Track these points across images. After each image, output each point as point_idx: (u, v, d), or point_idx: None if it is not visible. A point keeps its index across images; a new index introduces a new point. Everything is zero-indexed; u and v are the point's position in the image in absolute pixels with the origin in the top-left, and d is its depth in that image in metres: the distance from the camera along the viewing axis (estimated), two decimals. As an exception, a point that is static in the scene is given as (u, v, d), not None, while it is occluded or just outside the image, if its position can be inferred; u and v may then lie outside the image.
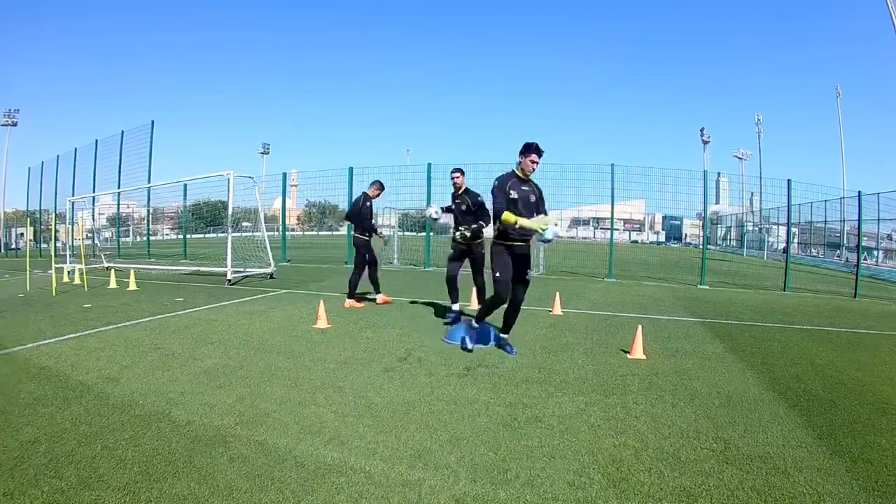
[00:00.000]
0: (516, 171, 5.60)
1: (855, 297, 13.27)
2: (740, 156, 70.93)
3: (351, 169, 19.04)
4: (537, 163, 5.51)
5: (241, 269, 14.38)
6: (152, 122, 24.16)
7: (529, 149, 5.47)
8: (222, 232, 17.88)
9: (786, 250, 17.74)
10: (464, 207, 7.67)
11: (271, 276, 14.12)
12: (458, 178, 7.79)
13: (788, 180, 15.24)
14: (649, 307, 9.92)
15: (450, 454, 3.28)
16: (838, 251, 29.03)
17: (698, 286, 14.33)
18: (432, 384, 4.72)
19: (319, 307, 7.55)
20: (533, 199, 5.60)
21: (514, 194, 5.46)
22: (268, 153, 76.24)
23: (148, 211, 27.02)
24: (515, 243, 5.57)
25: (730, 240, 51.24)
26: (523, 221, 5.27)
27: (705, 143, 72.06)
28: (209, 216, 26.75)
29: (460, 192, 7.77)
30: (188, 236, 23.92)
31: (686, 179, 17.57)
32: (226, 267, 13.36)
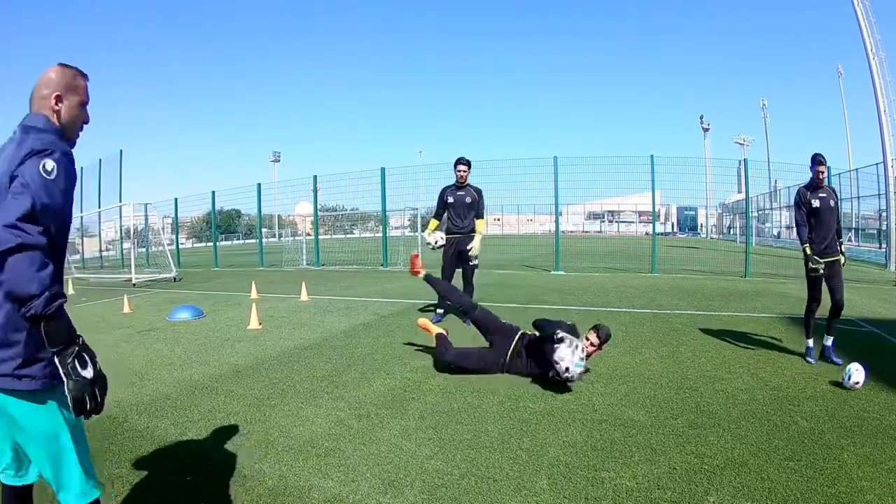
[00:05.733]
0: (814, 181, 5.61)
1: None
2: (741, 142, 70.19)
3: (383, 170, 18.26)
4: (823, 171, 5.55)
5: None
6: (121, 150, 25.23)
7: (812, 159, 5.58)
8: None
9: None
10: (468, 200, 7.50)
11: (175, 280, 16.02)
12: (464, 172, 7.55)
13: (828, 167, 14.96)
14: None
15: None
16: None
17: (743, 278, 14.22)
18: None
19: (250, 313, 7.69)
20: (832, 203, 5.57)
21: (815, 203, 5.52)
22: (279, 161, 76.27)
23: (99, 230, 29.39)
24: (826, 258, 5.53)
25: (736, 228, 50.89)
26: (807, 249, 5.49)
27: (705, 130, 71.62)
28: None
29: (464, 184, 7.60)
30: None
31: (699, 168, 17.68)
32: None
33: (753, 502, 2.83)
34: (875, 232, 24.50)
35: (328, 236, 25.88)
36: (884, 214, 19.75)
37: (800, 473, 3.11)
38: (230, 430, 3.90)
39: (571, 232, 39.51)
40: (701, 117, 72.83)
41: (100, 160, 26.01)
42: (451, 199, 7.56)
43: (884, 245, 19.75)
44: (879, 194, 20.22)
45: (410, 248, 19.60)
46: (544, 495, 2.93)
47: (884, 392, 4.55)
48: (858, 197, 23.96)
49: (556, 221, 17.37)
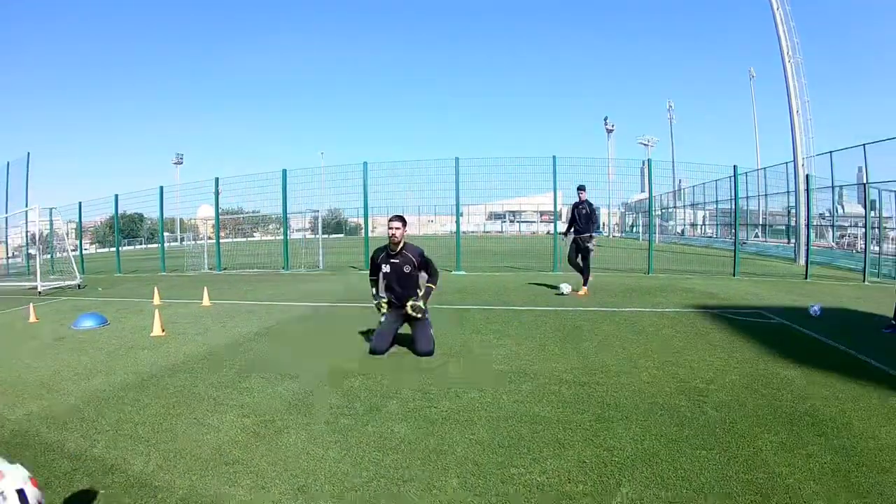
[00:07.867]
0: None
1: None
2: (646, 142, 72.91)
3: (285, 171, 18.27)
4: None
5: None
6: (28, 153, 24.07)
7: None
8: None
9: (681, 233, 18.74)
10: (406, 269, 6.07)
11: (79, 287, 15.20)
12: (398, 229, 6.02)
13: (735, 166, 16.01)
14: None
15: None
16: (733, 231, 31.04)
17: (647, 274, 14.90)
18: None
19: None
20: None
21: None
22: (181, 163, 72.97)
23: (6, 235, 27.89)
24: None
25: (639, 226, 53.17)
26: None
27: (609, 131, 74.10)
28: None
29: (399, 248, 6.11)
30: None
31: (601, 168, 18.62)
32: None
33: (668, 491, 2.92)
34: (783, 228, 26.35)
35: (229, 239, 25.35)
36: (792, 211, 21.21)
37: (713, 461, 3.23)
38: (139, 441, 3.78)
39: (472, 232, 40.18)
40: (605, 119, 75.42)
41: (7, 163, 24.58)
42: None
43: (792, 240, 21.22)
44: (788, 191, 21.72)
45: (312, 251, 19.58)
46: (455, 493, 2.98)
47: (796, 381, 4.82)
48: (766, 195, 25.68)
49: (458, 222, 17.42)
